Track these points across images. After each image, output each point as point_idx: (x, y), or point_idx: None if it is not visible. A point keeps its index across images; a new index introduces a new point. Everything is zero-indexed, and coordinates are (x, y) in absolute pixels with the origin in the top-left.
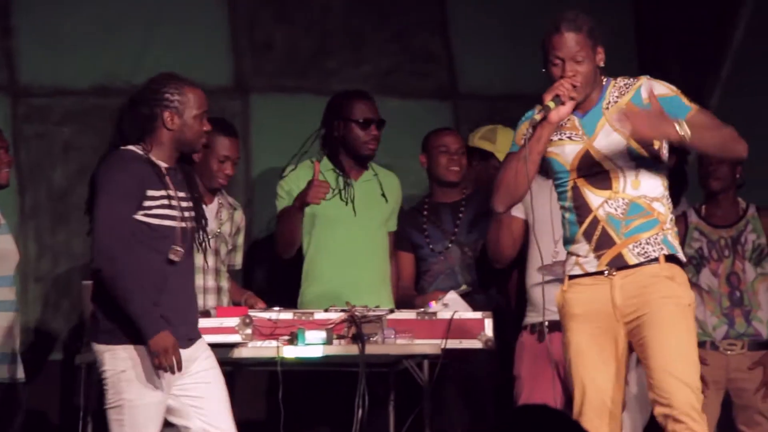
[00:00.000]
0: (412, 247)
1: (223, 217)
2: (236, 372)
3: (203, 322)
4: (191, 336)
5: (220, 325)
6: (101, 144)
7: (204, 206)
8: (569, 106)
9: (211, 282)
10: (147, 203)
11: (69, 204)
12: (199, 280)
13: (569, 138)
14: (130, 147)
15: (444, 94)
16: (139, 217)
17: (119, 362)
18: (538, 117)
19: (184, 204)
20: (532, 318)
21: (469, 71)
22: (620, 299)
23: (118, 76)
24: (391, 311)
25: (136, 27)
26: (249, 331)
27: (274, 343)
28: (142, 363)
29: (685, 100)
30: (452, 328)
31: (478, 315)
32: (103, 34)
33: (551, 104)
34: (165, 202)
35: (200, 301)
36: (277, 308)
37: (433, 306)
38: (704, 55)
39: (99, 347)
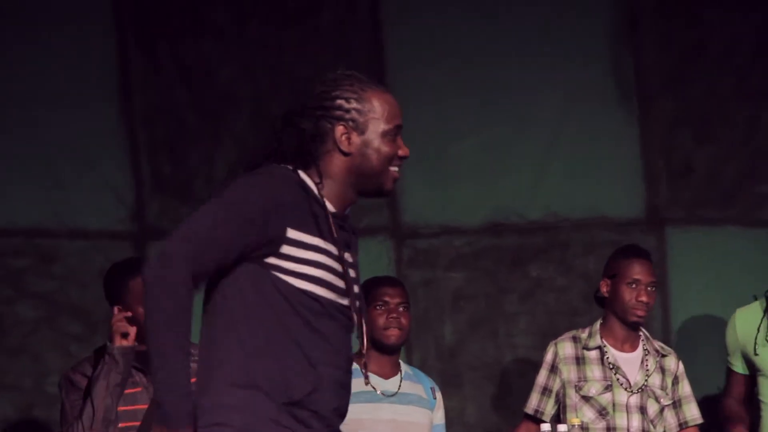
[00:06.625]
0: None
1: (649, 367)
2: None
3: None
4: None
5: None
6: (496, 292)
7: (624, 353)
8: None
9: None
10: (289, 250)
11: (460, 364)
12: None
13: None
14: (290, 167)
15: None
16: (280, 274)
17: None
18: None
19: (353, 273)
20: None
21: None
22: None
23: (512, 211)
24: None
25: (530, 153)
26: None
27: None
28: None
29: None
30: None
31: None
32: (493, 162)
33: None
34: (325, 260)
35: None
36: None
37: None
38: None
39: None
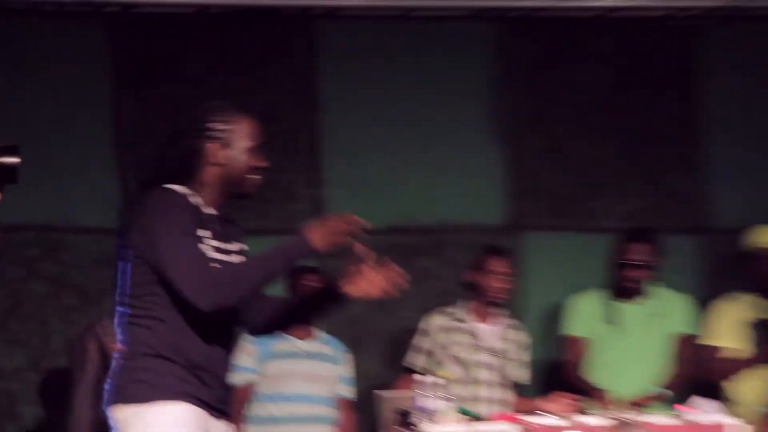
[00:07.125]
0: None
1: (505, 336)
2: None
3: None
4: (225, 409)
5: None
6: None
7: (486, 325)
8: None
9: (498, 394)
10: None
11: (365, 331)
12: (483, 391)
13: None
14: (172, 186)
15: (695, 231)
16: None
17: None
18: None
19: (235, 258)
20: None
21: (722, 209)
22: None
23: (407, 216)
24: None
25: (423, 173)
26: None
27: None
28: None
29: None
30: None
31: None
32: (397, 179)
33: None
34: (216, 254)
35: (485, 410)
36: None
37: None
38: None
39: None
